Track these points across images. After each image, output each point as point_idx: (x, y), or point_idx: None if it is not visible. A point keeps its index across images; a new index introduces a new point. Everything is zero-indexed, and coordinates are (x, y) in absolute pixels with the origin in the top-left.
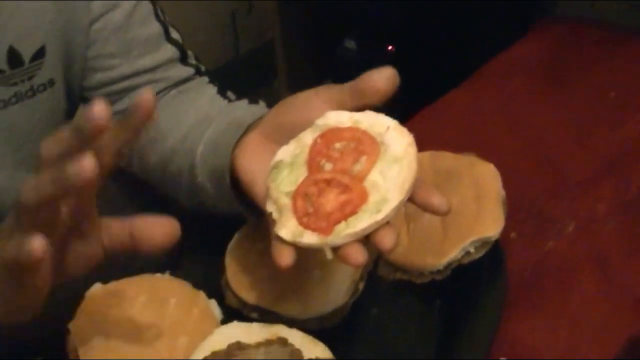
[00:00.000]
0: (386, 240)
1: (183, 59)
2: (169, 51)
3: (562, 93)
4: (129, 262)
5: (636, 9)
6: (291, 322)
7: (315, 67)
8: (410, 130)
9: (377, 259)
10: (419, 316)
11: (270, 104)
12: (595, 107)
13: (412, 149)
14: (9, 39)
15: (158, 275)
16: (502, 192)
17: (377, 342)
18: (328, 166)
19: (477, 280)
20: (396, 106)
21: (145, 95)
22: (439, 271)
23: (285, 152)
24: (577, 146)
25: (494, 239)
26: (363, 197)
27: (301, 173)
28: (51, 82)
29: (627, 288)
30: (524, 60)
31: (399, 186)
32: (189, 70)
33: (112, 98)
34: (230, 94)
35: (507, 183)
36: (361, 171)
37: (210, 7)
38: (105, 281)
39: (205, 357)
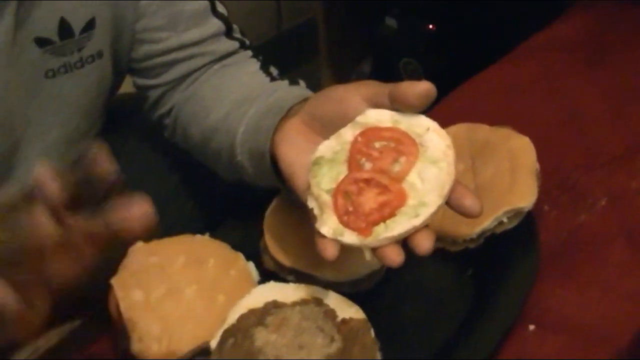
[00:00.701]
0: (423, 244)
1: (228, 33)
2: (215, 25)
3: (600, 70)
4: (171, 222)
5: None
6: (326, 285)
7: (356, 45)
8: (451, 103)
9: None
10: (452, 283)
11: (312, 81)
12: (631, 84)
13: (451, 152)
14: (60, 10)
15: (198, 236)
16: (537, 165)
17: (410, 307)
18: (368, 165)
19: (509, 249)
20: (438, 83)
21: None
22: (472, 240)
23: (326, 148)
24: (612, 122)
25: (526, 210)
26: (401, 199)
27: (341, 170)
28: (100, 54)
29: None
30: (564, 38)
31: (437, 190)
32: (234, 44)
33: (158, 70)
34: (272, 69)
35: (542, 157)
36: (400, 172)
37: None
38: (147, 240)
39: (242, 314)
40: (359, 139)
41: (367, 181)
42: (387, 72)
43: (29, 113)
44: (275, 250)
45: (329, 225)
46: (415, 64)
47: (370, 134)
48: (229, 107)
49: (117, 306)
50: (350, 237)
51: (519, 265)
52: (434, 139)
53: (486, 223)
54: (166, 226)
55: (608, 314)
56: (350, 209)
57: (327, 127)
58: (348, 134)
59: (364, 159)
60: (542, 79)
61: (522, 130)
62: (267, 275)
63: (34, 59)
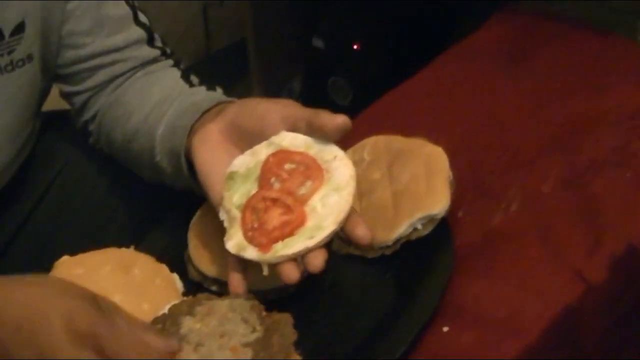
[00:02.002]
0: (314, 263)
1: (150, 41)
2: (137, 32)
3: (515, 77)
4: (95, 236)
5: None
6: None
7: (286, 64)
8: (374, 112)
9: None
10: (369, 288)
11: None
12: (544, 91)
13: (353, 182)
14: None
15: (123, 249)
16: (450, 173)
17: (331, 308)
18: (277, 185)
19: (424, 254)
20: (365, 99)
21: None
22: (388, 246)
23: (240, 163)
24: (526, 127)
25: (439, 216)
26: (302, 220)
27: (253, 187)
28: (30, 58)
29: (567, 260)
30: (481, 47)
31: (334, 216)
32: (155, 52)
33: (82, 75)
34: (193, 77)
35: (459, 162)
36: (305, 195)
37: (183, 3)
38: (74, 248)
39: (174, 303)
40: (271, 159)
41: (274, 200)
42: (316, 91)
43: None
44: (199, 260)
45: (234, 241)
46: (342, 81)
47: (282, 155)
48: (149, 109)
49: None
50: (251, 253)
51: (434, 268)
52: (339, 167)
53: (401, 229)
54: (92, 239)
55: (520, 309)
56: (256, 225)
57: (245, 140)
58: (262, 152)
59: (274, 179)
60: (460, 85)
61: (440, 135)
62: (192, 285)
63: None
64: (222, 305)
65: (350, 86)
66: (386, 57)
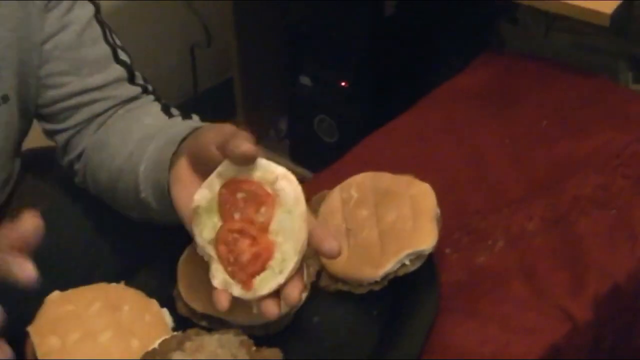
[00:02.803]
0: (291, 296)
1: (131, 79)
2: (117, 71)
3: (500, 118)
4: (86, 273)
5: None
6: (238, 329)
7: (272, 103)
8: (361, 152)
9: (320, 270)
10: (357, 324)
11: None
12: (528, 132)
13: (301, 200)
14: None
15: (113, 284)
16: (437, 210)
17: (318, 345)
18: (237, 215)
19: (411, 290)
20: (352, 137)
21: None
22: (376, 282)
23: (201, 197)
24: (511, 168)
25: (427, 252)
26: (269, 251)
27: (217, 220)
28: (5, 98)
29: (551, 297)
30: (466, 89)
31: (294, 246)
32: (136, 89)
33: (64, 115)
34: (174, 110)
35: (445, 201)
36: (264, 222)
37: (170, 43)
38: (63, 289)
39: (165, 338)
40: (224, 190)
41: (240, 231)
42: (303, 129)
43: None
44: (188, 296)
45: (218, 279)
46: (329, 120)
47: (233, 186)
48: (132, 147)
49: (34, 353)
50: (236, 291)
51: (421, 305)
52: (285, 187)
53: (389, 266)
54: (83, 274)
55: (505, 348)
56: (232, 259)
57: (206, 172)
58: (215, 183)
59: (233, 209)
60: (445, 127)
61: (426, 175)
62: (181, 320)
63: None
64: (211, 340)
65: (337, 125)
66: (372, 96)
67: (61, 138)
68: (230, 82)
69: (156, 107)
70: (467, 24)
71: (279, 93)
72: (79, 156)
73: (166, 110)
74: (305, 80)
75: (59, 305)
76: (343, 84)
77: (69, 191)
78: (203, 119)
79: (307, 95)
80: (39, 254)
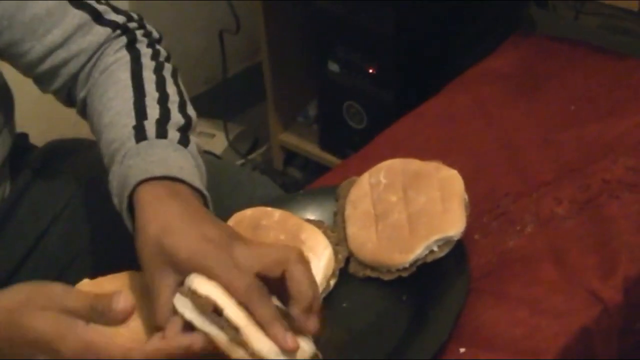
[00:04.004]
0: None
1: (97, 18)
2: (76, 17)
3: (529, 101)
4: (113, 261)
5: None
6: None
7: (302, 89)
8: (389, 137)
9: (348, 257)
10: (386, 309)
11: (259, 125)
12: (558, 115)
13: None
14: None
15: (141, 272)
16: (465, 195)
17: (348, 331)
18: None
19: (441, 276)
20: (381, 123)
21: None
22: (405, 268)
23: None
24: (540, 151)
25: (455, 238)
26: None
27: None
28: None
29: (580, 281)
30: (495, 71)
31: None
32: (105, 31)
33: (46, 78)
34: (146, 73)
35: (474, 185)
36: None
37: (199, 29)
38: (93, 277)
39: None
40: None
41: None
42: (331, 115)
43: None
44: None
45: None
46: (357, 106)
47: None
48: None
49: None
50: None
51: (450, 290)
52: None
53: (417, 252)
54: (110, 263)
55: (536, 331)
56: None
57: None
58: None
59: None
60: (474, 110)
61: (455, 159)
62: None
63: None
64: None
65: (366, 110)
66: (401, 81)
67: (59, 98)
68: (259, 67)
69: (125, 67)
70: (496, 7)
71: (307, 79)
72: (83, 109)
73: (136, 62)
74: (333, 66)
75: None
76: (371, 70)
77: (92, 185)
78: (232, 103)
79: (335, 81)
80: (66, 243)
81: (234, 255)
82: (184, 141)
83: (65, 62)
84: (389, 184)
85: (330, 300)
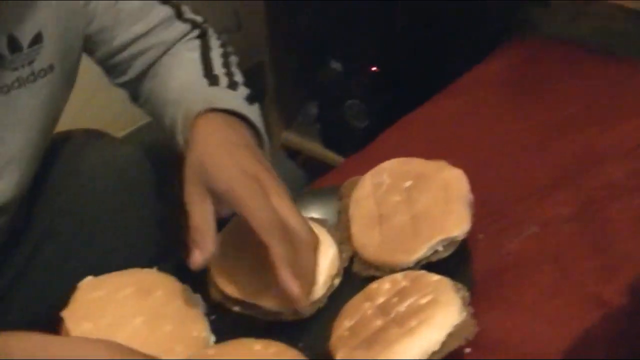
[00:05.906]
0: None
1: (179, 15)
2: (162, 12)
3: (527, 105)
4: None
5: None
6: (270, 314)
7: (303, 87)
8: (391, 137)
9: (352, 256)
10: None
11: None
12: (557, 117)
13: None
14: (8, 25)
15: (145, 269)
16: (470, 196)
17: None
18: None
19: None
20: (382, 122)
21: None
22: (409, 268)
23: None
24: (540, 154)
25: (460, 238)
26: None
27: None
28: (51, 67)
29: (580, 284)
30: (493, 74)
31: None
32: (185, 27)
33: (120, 68)
34: (214, 55)
35: (475, 187)
36: None
37: None
38: (96, 274)
39: None
40: None
41: None
42: (333, 114)
43: None
44: (221, 281)
45: None
46: (359, 105)
47: None
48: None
49: (68, 336)
50: None
51: None
52: None
53: (421, 252)
54: (115, 260)
55: (538, 334)
56: None
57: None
58: None
59: None
60: (474, 113)
61: (455, 161)
62: (214, 306)
63: None
64: None
65: (367, 109)
66: (403, 81)
67: (128, 90)
68: (261, 67)
69: (195, 49)
70: (497, 7)
71: (309, 78)
72: (145, 104)
73: (205, 55)
74: (335, 65)
75: (91, 290)
76: (373, 68)
77: (102, 180)
78: None
79: (337, 80)
80: (72, 240)
81: (268, 193)
82: (249, 100)
83: (143, 52)
84: (392, 185)
85: (334, 300)
